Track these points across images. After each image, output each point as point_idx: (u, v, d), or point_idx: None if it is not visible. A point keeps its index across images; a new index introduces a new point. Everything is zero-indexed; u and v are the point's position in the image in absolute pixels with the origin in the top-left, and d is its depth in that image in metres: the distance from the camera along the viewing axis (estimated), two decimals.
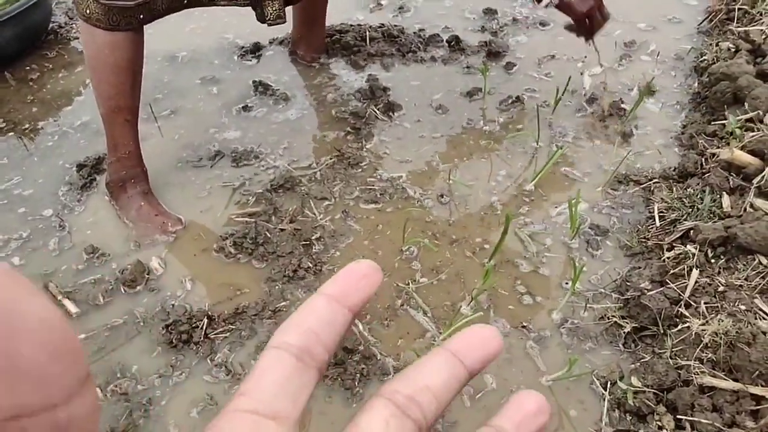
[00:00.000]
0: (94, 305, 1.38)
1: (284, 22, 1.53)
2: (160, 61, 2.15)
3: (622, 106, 1.84)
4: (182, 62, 2.17)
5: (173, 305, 1.36)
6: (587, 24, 1.72)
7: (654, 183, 1.57)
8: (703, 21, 2.19)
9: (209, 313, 1.33)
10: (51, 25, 2.39)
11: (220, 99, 1.98)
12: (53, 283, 1.42)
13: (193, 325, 1.30)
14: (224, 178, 1.69)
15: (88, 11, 1.36)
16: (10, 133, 1.89)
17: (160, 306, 1.36)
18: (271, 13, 1.51)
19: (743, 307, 1.18)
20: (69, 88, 2.07)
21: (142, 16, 1.39)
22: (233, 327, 1.31)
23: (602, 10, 1.72)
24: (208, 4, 1.49)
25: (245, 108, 1.93)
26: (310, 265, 1.42)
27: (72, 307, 1.37)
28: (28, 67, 2.18)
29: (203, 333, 1.29)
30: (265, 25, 1.53)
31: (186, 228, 1.55)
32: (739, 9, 2.05)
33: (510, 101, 1.89)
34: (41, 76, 2.15)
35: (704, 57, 1.93)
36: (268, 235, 1.49)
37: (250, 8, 1.53)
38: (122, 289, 1.41)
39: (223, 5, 1.50)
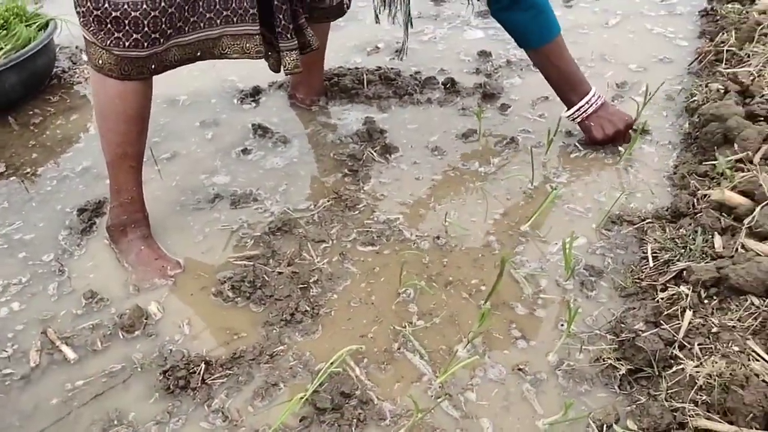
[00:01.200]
0: (92, 351, 1.38)
1: (301, 71, 1.57)
2: (160, 104, 2.20)
3: (618, 148, 1.87)
4: (182, 105, 2.21)
5: (171, 350, 1.37)
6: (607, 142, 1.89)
7: (647, 223, 1.59)
8: (693, 62, 2.24)
9: (207, 358, 1.33)
10: (54, 70, 2.44)
11: (219, 142, 2.02)
12: (51, 328, 1.43)
13: (191, 371, 1.30)
14: (223, 221, 1.71)
15: (100, 61, 1.40)
16: (12, 177, 1.92)
17: (158, 351, 1.37)
18: (289, 63, 1.55)
19: (736, 348, 1.18)
20: (70, 133, 2.11)
21: (153, 67, 1.43)
22: (230, 372, 1.31)
23: (626, 135, 1.90)
24: (220, 56, 1.53)
25: (244, 151, 1.96)
26: (308, 308, 1.43)
27: (70, 353, 1.37)
28: (30, 112, 2.22)
29: (200, 378, 1.29)
30: (282, 72, 1.58)
31: (185, 272, 1.56)
32: (727, 50, 2.10)
33: (505, 142, 1.92)
34: (43, 120, 2.19)
35: (694, 98, 1.97)
36: (266, 278, 1.51)
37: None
38: (120, 335, 1.41)
39: (235, 58, 1.53)
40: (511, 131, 1.97)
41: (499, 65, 2.31)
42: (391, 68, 2.30)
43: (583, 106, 1.81)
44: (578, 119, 1.84)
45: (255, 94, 2.24)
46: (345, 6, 1.67)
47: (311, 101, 2.14)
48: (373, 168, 1.86)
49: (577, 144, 1.90)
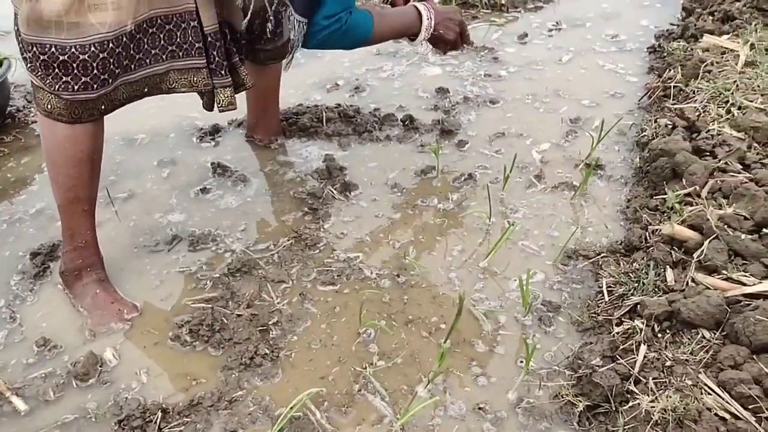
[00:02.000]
0: (44, 401, 1.34)
1: (235, 109, 1.58)
2: (117, 142, 2.18)
3: (573, 182, 1.91)
4: (140, 144, 2.19)
5: (127, 398, 1.33)
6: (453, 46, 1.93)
7: (602, 257, 1.63)
8: (642, 97, 2.32)
9: (164, 405, 1.30)
10: (9, 109, 2.40)
11: (177, 181, 2.00)
12: (1, 378, 1.38)
13: (147, 420, 1.27)
14: (181, 263, 1.69)
15: (49, 106, 1.39)
16: None
17: (113, 400, 1.33)
18: (222, 101, 1.55)
19: (689, 382, 1.21)
20: (24, 174, 2.07)
21: (103, 107, 1.42)
22: (188, 420, 1.28)
23: (465, 35, 1.92)
24: (167, 91, 1.53)
25: (203, 190, 1.95)
26: (267, 351, 1.41)
27: (21, 405, 1.33)
28: None
29: (157, 427, 1.26)
30: (216, 111, 1.57)
31: (142, 315, 1.54)
32: (674, 86, 2.18)
33: (463, 178, 1.95)
34: None
35: (644, 133, 2.03)
36: (225, 321, 1.49)
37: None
38: (74, 383, 1.38)
39: (183, 92, 1.54)
40: (469, 167, 2.00)
41: (457, 101, 2.35)
42: (351, 105, 2.32)
43: (428, 26, 1.80)
44: (428, 38, 1.85)
45: (214, 132, 2.24)
46: (290, 46, 1.69)
47: (269, 140, 2.15)
48: (333, 206, 1.87)
49: (533, 179, 1.94)
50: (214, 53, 1.49)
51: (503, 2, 3.05)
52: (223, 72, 1.52)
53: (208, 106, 1.58)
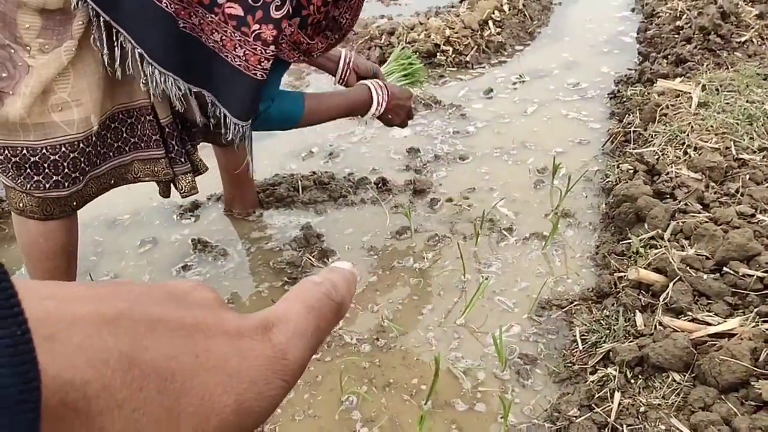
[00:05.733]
0: None
1: (197, 193, 1.65)
2: (100, 223, 2.22)
3: (543, 232, 1.97)
4: (122, 225, 2.24)
5: None
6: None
7: (575, 306, 1.67)
8: (606, 143, 2.40)
9: None
10: None
11: (159, 260, 2.04)
12: None
13: None
14: None
15: (21, 204, 1.44)
16: None
17: None
18: (184, 186, 1.62)
19: (663, 427, 1.24)
20: (10, 264, 2.11)
21: (75, 203, 1.48)
22: None
23: (410, 115, 1.98)
24: (133, 181, 1.60)
25: (185, 267, 1.99)
26: None
27: None
28: None
29: None
30: (180, 196, 1.64)
31: None
32: (633, 131, 2.26)
33: (437, 237, 2.00)
34: None
35: (608, 178, 2.10)
36: None
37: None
38: None
39: (147, 181, 1.60)
40: (442, 225, 2.05)
41: (428, 160, 2.42)
42: (325, 172, 2.39)
43: (376, 110, 1.82)
44: (377, 116, 1.87)
45: (194, 208, 2.29)
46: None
47: (247, 213, 2.20)
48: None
49: (504, 232, 2.00)
50: (173, 142, 1.56)
51: (468, 59, 3.16)
52: (183, 159, 1.59)
53: (164, 193, 1.65)
